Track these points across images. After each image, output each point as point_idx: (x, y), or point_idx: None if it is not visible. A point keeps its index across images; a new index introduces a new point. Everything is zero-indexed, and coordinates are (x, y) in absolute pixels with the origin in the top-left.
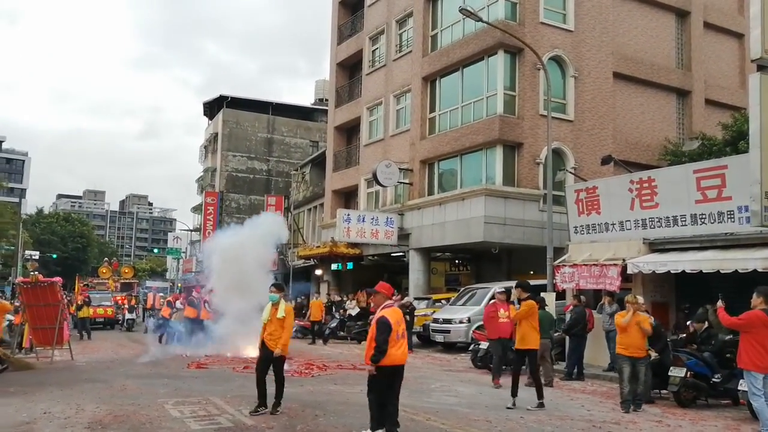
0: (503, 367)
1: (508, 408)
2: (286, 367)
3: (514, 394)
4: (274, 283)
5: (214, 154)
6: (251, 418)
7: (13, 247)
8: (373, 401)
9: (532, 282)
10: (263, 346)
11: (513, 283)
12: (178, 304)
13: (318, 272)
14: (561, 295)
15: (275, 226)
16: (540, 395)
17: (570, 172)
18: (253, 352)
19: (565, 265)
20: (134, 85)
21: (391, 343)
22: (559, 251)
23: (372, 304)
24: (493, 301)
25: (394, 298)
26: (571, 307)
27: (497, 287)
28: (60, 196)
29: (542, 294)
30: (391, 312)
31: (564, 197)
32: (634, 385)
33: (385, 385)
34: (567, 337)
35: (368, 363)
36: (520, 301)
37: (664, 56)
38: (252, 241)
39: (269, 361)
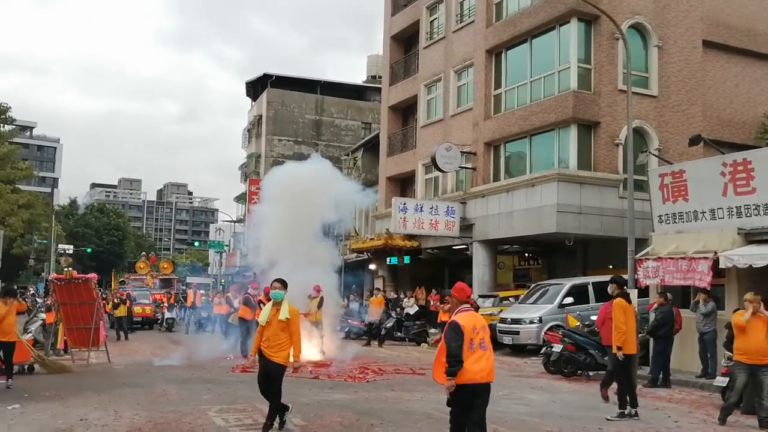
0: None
1: (623, 417)
2: (333, 370)
3: (634, 404)
4: (278, 278)
5: (258, 138)
6: (300, 428)
7: (45, 241)
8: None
9: (608, 277)
10: (261, 355)
11: (590, 279)
12: (236, 303)
13: (372, 267)
14: (644, 292)
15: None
16: (623, 404)
17: (653, 154)
18: (313, 355)
19: (648, 259)
20: (171, 65)
21: (466, 354)
22: (642, 243)
23: (432, 302)
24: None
25: (450, 299)
26: (656, 306)
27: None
28: (94, 186)
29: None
30: (465, 316)
31: (647, 182)
32: (745, 395)
33: (465, 406)
34: (651, 339)
35: (440, 380)
36: (614, 297)
37: (764, 21)
38: (321, 192)
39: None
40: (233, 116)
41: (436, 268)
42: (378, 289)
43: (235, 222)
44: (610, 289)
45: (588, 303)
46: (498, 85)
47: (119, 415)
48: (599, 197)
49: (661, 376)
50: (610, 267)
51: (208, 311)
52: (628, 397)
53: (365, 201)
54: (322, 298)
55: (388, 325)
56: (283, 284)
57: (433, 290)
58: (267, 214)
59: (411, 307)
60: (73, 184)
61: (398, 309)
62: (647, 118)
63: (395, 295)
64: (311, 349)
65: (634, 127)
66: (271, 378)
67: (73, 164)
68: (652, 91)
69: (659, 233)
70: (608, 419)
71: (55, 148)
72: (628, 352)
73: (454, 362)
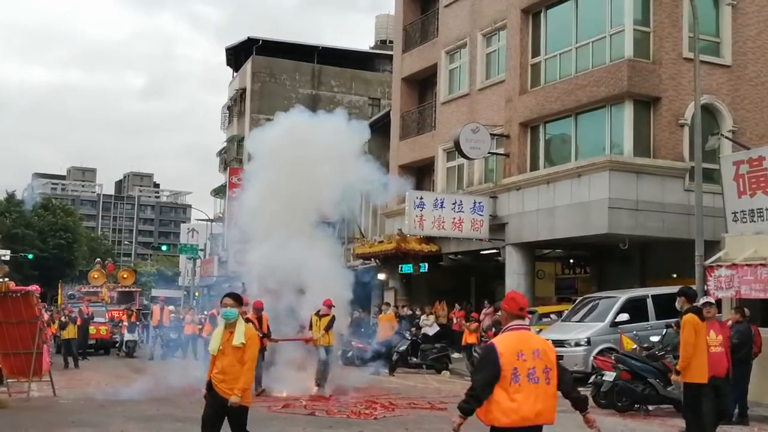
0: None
1: None
2: (333, 405)
3: None
4: (230, 293)
5: (240, 117)
6: None
7: None
8: None
9: (672, 289)
10: (211, 389)
11: (649, 292)
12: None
13: (381, 276)
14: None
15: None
16: None
17: (726, 137)
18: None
19: (720, 266)
20: (134, 28)
21: (509, 388)
22: (713, 246)
23: (455, 320)
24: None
25: (500, 313)
26: (731, 324)
27: (703, 298)
28: (37, 176)
29: None
30: (508, 338)
31: (718, 172)
32: None
33: None
34: None
35: (480, 417)
36: (683, 313)
37: None
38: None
39: (221, 414)
40: (210, 90)
41: (460, 277)
42: (387, 304)
43: (211, 221)
44: (678, 303)
45: (647, 320)
46: (536, 53)
47: None
48: (660, 190)
49: (736, 410)
50: (674, 276)
51: (178, 332)
52: None
53: (385, 192)
54: (333, 317)
55: (401, 349)
56: (237, 300)
57: (457, 305)
58: (257, 175)
59: (430, 327)
60: (10, 174)
61: (414, 328)
62: (719, 93)
63: (410, 312)
64: (309, 380)
65: (702, 103)
66: (231, 422)
67: (11, 149)
68: (725, 59)
69: (734, 234)
70: None
71: None
72: (696, 381)
73: (470, 398)
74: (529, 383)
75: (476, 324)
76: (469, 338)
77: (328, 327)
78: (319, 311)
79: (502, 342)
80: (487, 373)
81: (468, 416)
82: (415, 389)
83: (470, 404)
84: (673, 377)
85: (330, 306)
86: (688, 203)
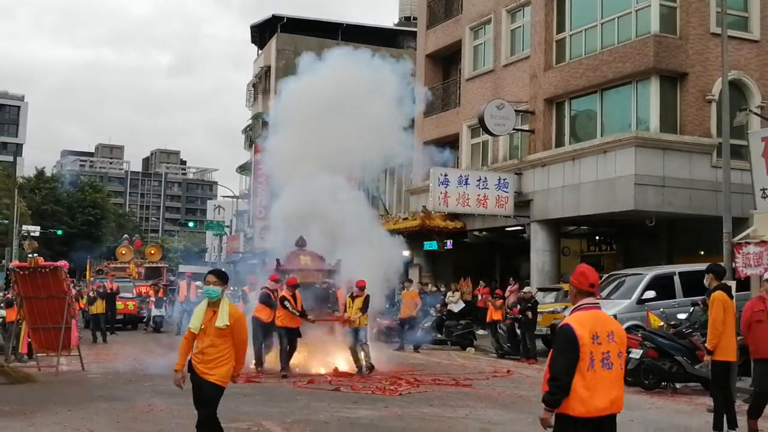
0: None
1: None
2: (357, 381)
3: (732, 424)
4: (214, 269)
5: (265, 94)
6: None
7: (6, 221)
8: None
9: (700, 266)
10: (192, 372)
11: (676, 269)
12: (251, 297)
13: (405, 253)
14: (744, 285)
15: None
16: (718, 425)
17: (755, 113)
18: (341, 362)
19: (749, 243)
20: (161, 6)
21: (586, 374)
22: (741, 223)
23: (480, 297)
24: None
25: (524, 290)
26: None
27: (766, 275)
28: (66, 153)
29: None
30: (582, 317)
31: (746, 148)
32: None
33: None
34: None
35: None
36: (711, 291)
37: None
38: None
39: (200, 394)
40: (236, 68)
41: (485, 254)
42: (411, 281)
43: (237, 198)
44: (706, 281)
45: (674, 298)
46: (561, 28)
47: None
48: (687, 166)
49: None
50: (701, 253)
51: None
52: (725, 416)
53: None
54: (367, 297)
55: (425, 325)
56: (221, 278)
57: (481, 282)
58: (291, 120)
59: (455, 304)
60: (40, 152)
61: (439, 305)
62: (747, 69)
63: (435, 288)
64: (342, 362)
65: (730, 79)
66: (202, 401)
67: (41, 127)
68: (753, 34)
69: (762, 211)
70: None
71: (19, 107)
72: (724, 359)
73: (556, 388)
74: (603, 369)
75: (501, 301)
76: (494, 315)
77: (364, 308)
78: (352, 293)
79: (576, 321)
80: (568, 357)
81: (556, 407)
82: (440, 365)
83: (557, 394)
84: (706, 357)
85: (363, 287)
86: (716, 180)
